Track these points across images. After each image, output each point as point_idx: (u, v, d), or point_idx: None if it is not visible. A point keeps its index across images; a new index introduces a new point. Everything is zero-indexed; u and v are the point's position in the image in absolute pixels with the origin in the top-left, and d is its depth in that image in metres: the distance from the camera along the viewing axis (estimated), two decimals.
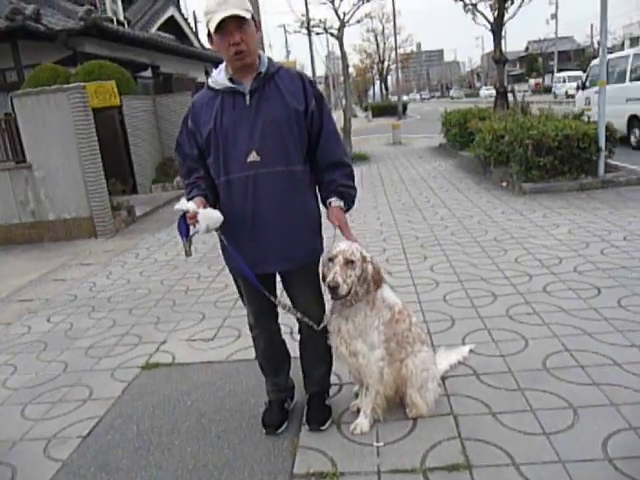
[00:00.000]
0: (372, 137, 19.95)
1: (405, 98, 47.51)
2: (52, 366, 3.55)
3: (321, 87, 62.57)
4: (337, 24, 14.44)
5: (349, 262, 2.24)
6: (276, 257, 2.32)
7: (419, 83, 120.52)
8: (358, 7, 14.54)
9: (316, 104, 2.32)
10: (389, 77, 50.92)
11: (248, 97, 2.24)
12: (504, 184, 8.10)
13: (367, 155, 13.74)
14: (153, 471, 2.39)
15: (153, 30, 15.66)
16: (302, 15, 18.20)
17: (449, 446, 2.33)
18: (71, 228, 7.35)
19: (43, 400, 3.11)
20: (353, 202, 2.43)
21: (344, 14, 14.33)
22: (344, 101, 15.57)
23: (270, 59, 2.33)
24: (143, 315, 4.31)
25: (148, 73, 14.71)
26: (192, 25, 20.95)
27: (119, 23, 13.75)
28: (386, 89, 50.85)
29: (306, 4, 21.42)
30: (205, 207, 2.17)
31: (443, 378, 2.83)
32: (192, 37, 19.28)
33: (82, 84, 7.40)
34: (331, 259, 2.26)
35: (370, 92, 69.66)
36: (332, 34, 14.73)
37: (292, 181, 2.28)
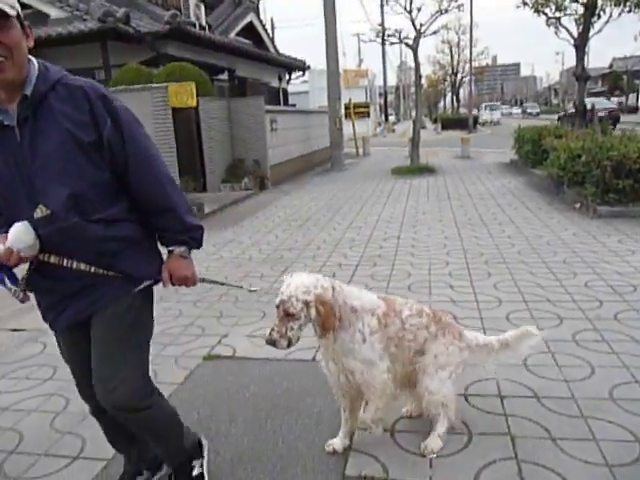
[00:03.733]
0: (440, 149, 19.71)
1: (479, 112, 46.54)
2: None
3: (391, 97, 62.42)
4: (413, 34, 14.44)
5: (289, 315, 2.02)
6: None
7: (492, 97, 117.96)
8: (435, 18, 14.51)
9: (114, 128, 1.73)
10: (461, 90, 50.13)
11: (18, 131, 1.67)
12: (577, 205, 7.81)
13: (434, 167, 13.59)
14: (211, 456, 2.48)
15: (232, 35, 16.21)
16: (378, 25, 18.29)
17: (504, 467, 2.29)
18: None
19: None
20: (201, 242, 1.98)
21: (421, 25, 14.30)
22: (413, 112, 15.50)
23: (44, 69, 1.71)
24: (207, 308, 4.48)
25: (224, 76, 15.22)
26: (269, 31, 21.50)
27: (201, 27, 14.32)
28: (457, 102, 50.09)
29: (382, 14, 21.51)
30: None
31: (502, 397, 2.78)
32: (268, 43, 19.78)
33: (164, 85, 7.79)
34: (277, 307, 2.06)
35: (440, 104, 68.85)
36: (407, 44, 14.73)
37: (87, 235, 1.76)
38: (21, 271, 1.84)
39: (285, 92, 21.25)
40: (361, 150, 19.80)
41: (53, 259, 1.77)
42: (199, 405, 2.96)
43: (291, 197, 10.77)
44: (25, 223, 1.71)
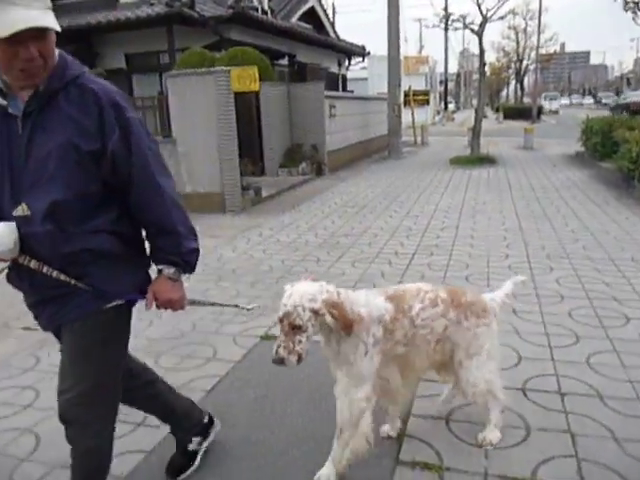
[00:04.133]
0: (502, 139, 19.13)
1: (544, 102, 44.71)
2: (183, 324, 3.89)
3: (451, 84, 60.85)
4: (478, 20, 14.01)
5: (295, 327, 1.87)
6: None
7: (558, 86, 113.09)
8: (503, 3, 13.99)
9: (122, 140, 1.64)
10: (526, 78, 48.32)
11: (20, 123, 1.62)
12: None
13: (495, 158, 13.21)
14: (266, 434, 2.56)
15: (293, 20, 16.22)
16: (442, 9, 17.86)
17: (564, 463, 2.24)
18: (204, 202, 7.91)
19: (175, 353, 3.43)
20: (194, 267, 1.88)
21: (487, 10, 13.86)
22: (474, 101, 15.10)
23: (63, 65, 1.64)
24: (264, 289, 4.56)
25: (284, 61, 15.28)
26: (330, 16, 21.38)
27: (263, 12, 14.41)
28: (521, 90, 48.34)
29: None
30: None
31: (562, 394, 2.71)
32: (329, 28, 19.68)
33: (227, 68, 7.91)
34: (281, 320, 1.91)
35: (503, 92, 66.63)
36: (472, 30, 14.31)
37: (66, 245, 1.67)
38: None
39: (344, 78, 21.13)
40: (419, 139, 19.48)
41: (33, 264, 1.69)
42: (255, 384, 3.03)
43: (348, 184, 10.75)
44: (9, 225, 1.65)
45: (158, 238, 1.78)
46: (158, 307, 1.86)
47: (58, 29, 1.54)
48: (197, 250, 1.84)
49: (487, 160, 12.87)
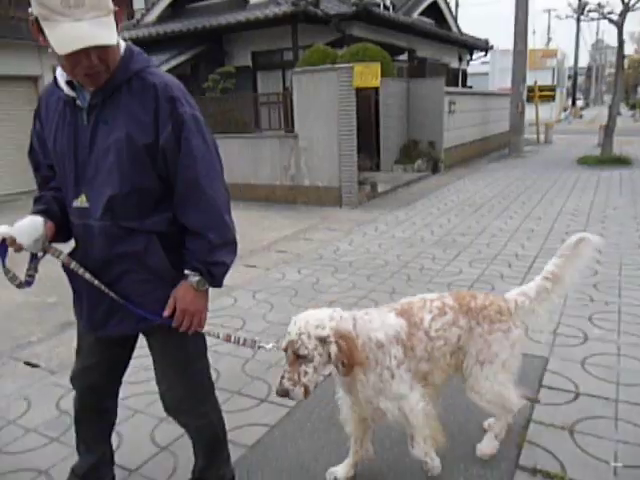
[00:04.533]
0: (637, 139, 17.54)
1: None
2: (301, 310, 4.06)
3: (581, 79, 56.62)
4: (618, 9, 12.94)
5: (300, 357, 1.76)
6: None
7: None
8: None
9: (173, 135, 1.62)
10: None
11: (86, 115, 1.65)
12: None
13: (629, 159, 12.16)
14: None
15: (415, 15, 16.03)
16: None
17: None
18: (321, 195, 8.14)
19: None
20: (224, 276, 1.77)
21: None
22: (606, 97, 13.98)
23: (129, 58, 1.64)
24: (380, 283, 4.63)
25: (403, 56, 15.16)
26: (452, 9, 20.83)
27: (385, 8, 14.39)
28: None
29: None
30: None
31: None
32: (451, 22, 19.18)
33: (350, 65, 8.04)
34: (285, 349, 1.81)
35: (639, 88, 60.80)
36: (610, 20, 13.25)
37: (123, 241, 1.69)
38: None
39: (464, 73, 20.50)
40: (542, 136, 18.43)
41: (62, 257, 1.74)
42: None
43: (465, 182, 10.49)
44: (33, 219, 1.69)
45: (190, 240, 1.70)
46: (172, 317, 1.74)
47: (114, 42, 1.53)
48: (225, 265, 1.73)
49: (620, 161, 11.89)
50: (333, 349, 1.75)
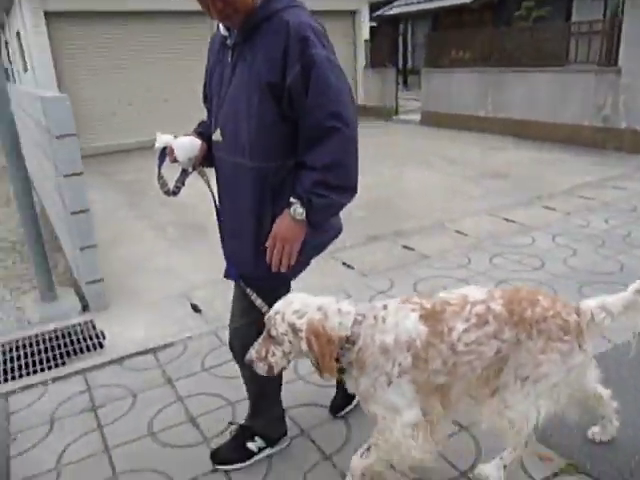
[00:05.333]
0: None
1: None
2: (609, 262, 3.77)
3: None
4: None
5: (272, 337, 1.64)
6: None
7: None
8: None
9: (301, 76, 1.56)
10: None
11: (231, 52, 1.72)
12: None
13: None
14: None
15: None
16: None
17: None
18: (638, 141, 7.12)
19: (596, 287, 3.37)
20: (324, 212, 1.69)
21: None
22: None
23: None
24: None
25: None
26: None
27: None
28: None
29: None
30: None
31: None
32: None
33: None
34: (264, 323, 1.69)
35: None
36: None
37: (245, 180, 1.72)
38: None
39: None
40: None
41: (206, 180, 1.91)
42: None
43: None
44: (193, 139, 1.85)
45: (304, 172, 1.65)
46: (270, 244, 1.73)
47: None
48: (330, 201, 1.65)
49: None
50: (303, 345, 1.60)
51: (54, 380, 2.77)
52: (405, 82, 18.85)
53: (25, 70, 12.45)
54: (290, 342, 1.62)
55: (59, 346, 3.09)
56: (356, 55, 12.96)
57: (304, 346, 1.59)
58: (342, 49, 12.38)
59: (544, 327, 1.64)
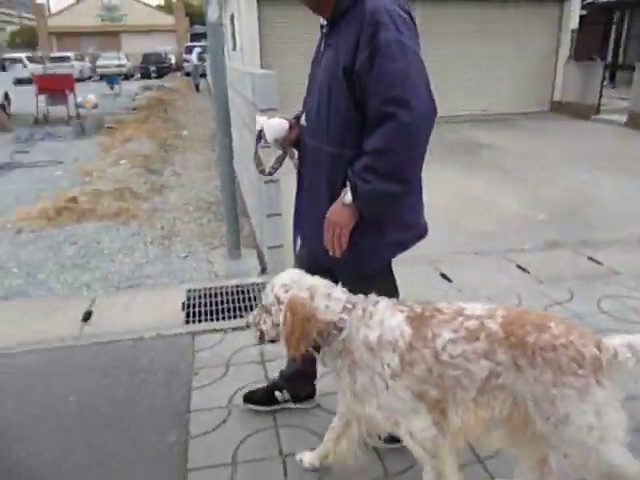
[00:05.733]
0: None
1: None
2: None
3: None
4: None
5: (265, 305, 1.70)
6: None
7: None
8: None
9: (369, 59, 1.55)
10: None
11: (324, 39, 1.80)
12: None
13: None
14: None
15: None
16: None
17: None
18: None
19: None
20: (370, 200, 1.64)
21: None
22: None
23: None
24: None
25: None
26: None
27: None
28: None
29: None
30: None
31: None
32: None
33: None
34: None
35: None
36: None
37: (322, 165, 1.78)
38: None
39: None
40: None
41: (294, 162, 1.97)
42: None
43: None
44: (281, 121, 1.90)
45: (360, 160, 1.64)
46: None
47: None
48: (375, 188, 1.61)
49: None
50: (281, 317, 1.60)
51: (233, 329, 3.08)
52: (612, 78, 16.94)
53: (234, 49, 13.73)
54: (277, 313, 1.65)
55: (239, 300, 3.42)
56: (559, 46, 11.95)
57: (281, 319, 1.61)
58: (542, 40, 11.54)
59: (551, 357, 1.45)
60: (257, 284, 3.62)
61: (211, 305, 3.36)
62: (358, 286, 1.71)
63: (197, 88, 20.56)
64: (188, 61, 26.12)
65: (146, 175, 6.69)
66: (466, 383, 1.54)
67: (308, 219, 1.92)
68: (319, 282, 1.67)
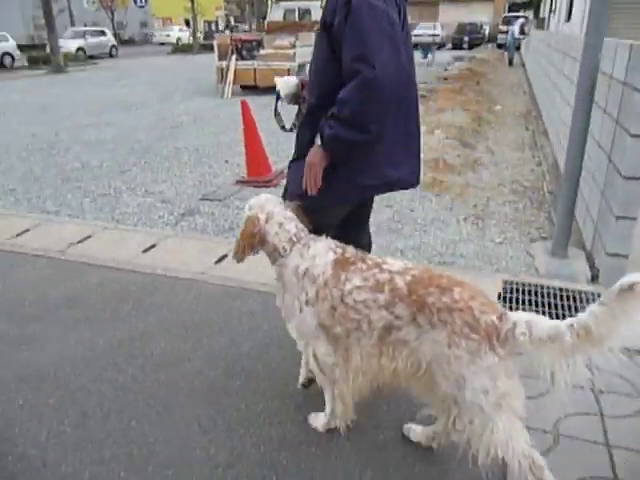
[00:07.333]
0: None
1: None
2: None
3: None
4: None
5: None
6: None
7: None
8: None
9: (344, 20, 1.71)
10: None
11: None
12: None
13: None
14: None
15: None
16: None
17: None
18: None
19: None
20: (332, 144, 1.81)
21: None
22: None
23: None
24: None
25: None
26: None
27: None
28: None
29: None
30: None
31: None
32: None
33: None
34: None
35: None
36: None
37: (306, 116, 2.00)
38: None
39: None
40: None
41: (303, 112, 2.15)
42: None
43: None
44: (291, 78, 2.22)
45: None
46: None
47: None
48: (331, 133, 1.77)
49: None
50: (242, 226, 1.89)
51: None
52: None
53: (567, 20, 12.46)
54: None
55: (562, 306, 2.99)
56: None
57: (242, 227, 1.90)
58: None
59: (446, 318, 1.55)
60: (585, 292, 3.14)
61: (529, 304, 3.03)
62: (317, 218, 1.95)
63: (510, 62, 19.46)
64: (504, 32, 24.89)
65: (460, 148, 6.50)
66: (365, 328, 1.71)
67: (299, 167, 1.99)
68: (279, 211, 1.88)
